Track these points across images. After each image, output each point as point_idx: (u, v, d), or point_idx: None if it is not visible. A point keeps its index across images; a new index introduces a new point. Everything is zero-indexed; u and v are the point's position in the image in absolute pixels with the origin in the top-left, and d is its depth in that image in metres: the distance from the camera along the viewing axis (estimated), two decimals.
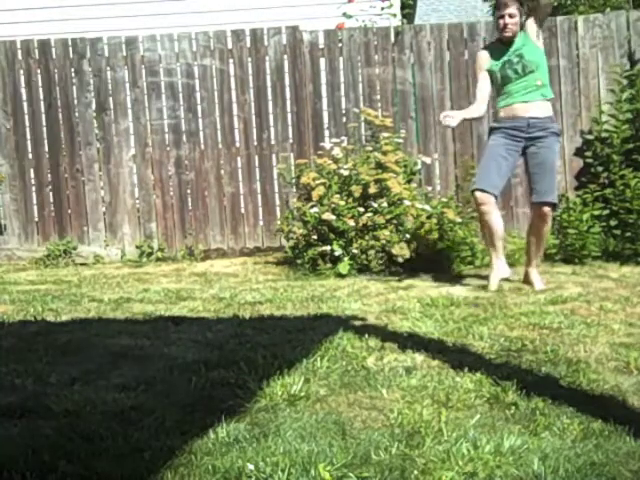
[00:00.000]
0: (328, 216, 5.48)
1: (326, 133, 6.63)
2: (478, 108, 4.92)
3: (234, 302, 4.51)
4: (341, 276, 5.37)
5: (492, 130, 4.90)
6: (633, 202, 5.79)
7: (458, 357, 3.08)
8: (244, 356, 3.12)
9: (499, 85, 4.83)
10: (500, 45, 4.84)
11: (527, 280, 4.91)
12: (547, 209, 4.74)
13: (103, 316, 4.20)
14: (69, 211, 6.79)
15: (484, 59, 4.89)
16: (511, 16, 4.70)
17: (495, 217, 4.81)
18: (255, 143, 6.70)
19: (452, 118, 4.72)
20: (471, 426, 2.32)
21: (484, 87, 4.90)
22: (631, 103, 6.21)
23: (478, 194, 4.75)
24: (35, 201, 6.83)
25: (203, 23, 7.26)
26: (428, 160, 6.33)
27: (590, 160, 6.37)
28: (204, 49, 6.66)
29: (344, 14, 6.94)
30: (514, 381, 2.66)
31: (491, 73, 4.85)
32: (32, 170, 6.80)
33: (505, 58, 4.78)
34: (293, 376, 2.80)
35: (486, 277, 5.02)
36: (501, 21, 4.72)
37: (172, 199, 6.77)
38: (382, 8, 7.17)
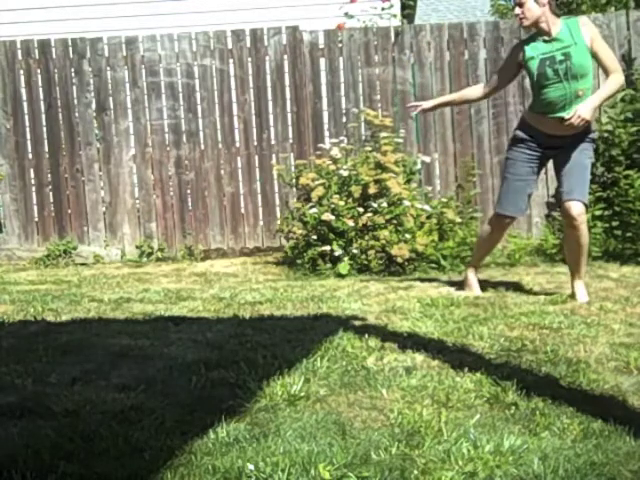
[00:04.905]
0: (327, 216, 5.48)
1: (326, 133, 6.62)
2: (471, 90, 4.74)
3: (234, 302, 4.51)
4: (341, 276, 5.37)
5: (515, 140, 4.33)
6: (636, 202, 5.78)
7: (458, 357, 3.08)
8: (244, 356, 3.12)
9: (534, 83, 4.18)
10: (544, 37, 4.13)
11: (572, 292, 4.38)
12: (576, 209, 4.12)
13: (103, 316, 4.20)
14: (69, 211, 6.79)
15: (516, 52, 4.27)
16: (520, 5, 4.08)
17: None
18: (255, 143, 6.69)
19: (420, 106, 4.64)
20: (471, 426, 2.32)
21: (494, 78, 4.48)
22: (631, 103, 6.18)
23: (505, 220, 4.45)
24: (35, 201, 6.83)
25: (203, 23, 7.27)
26: (427, 159, 6.32)
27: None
28: (204, 49, 6.65)
29: (345, 14, 6.95)
30: (514, 381, 2.66)
31: (527, 68, 4.19)
32: (32, 170, 6.79)
33: (547, 53, 4.09)
34: (293, 376, 2.80)
35: (486, 279, 5.02)
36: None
37: (172, 199, 6.76)
38: (383, 8, 7.17)
